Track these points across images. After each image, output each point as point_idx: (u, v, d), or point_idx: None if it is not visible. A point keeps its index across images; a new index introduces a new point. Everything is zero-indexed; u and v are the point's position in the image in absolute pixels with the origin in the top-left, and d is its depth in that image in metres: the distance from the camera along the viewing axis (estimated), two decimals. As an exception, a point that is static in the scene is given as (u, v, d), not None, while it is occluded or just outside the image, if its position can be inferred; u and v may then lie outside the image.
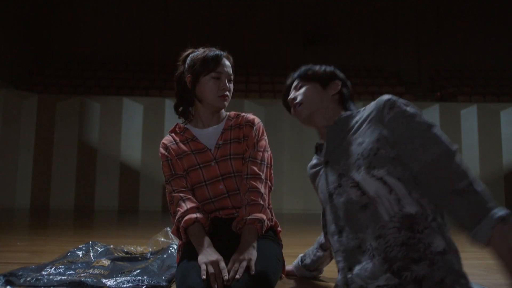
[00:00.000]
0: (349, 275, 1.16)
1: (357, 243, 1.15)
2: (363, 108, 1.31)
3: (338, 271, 1.23)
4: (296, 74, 1.47)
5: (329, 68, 1.45)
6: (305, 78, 1.43)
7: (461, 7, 11.17)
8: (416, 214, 1.08)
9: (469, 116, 8.52)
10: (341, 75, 1.45)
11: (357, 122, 1.28)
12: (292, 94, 1.44)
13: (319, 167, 1.38)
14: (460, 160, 1.08)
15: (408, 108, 1.18)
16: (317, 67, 1.45)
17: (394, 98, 1.21)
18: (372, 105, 1.26)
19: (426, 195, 1.11)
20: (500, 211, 0.99)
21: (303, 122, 1.41)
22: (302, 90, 1.40)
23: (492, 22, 10.93)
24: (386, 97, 1.22)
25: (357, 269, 1.14)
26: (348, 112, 1.35)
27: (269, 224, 1.49)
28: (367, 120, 1.23)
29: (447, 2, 11.27)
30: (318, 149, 1.43)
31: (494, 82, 10.14)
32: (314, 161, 1.44)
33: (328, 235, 1.29)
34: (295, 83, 1.45)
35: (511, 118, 8.53)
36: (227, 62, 1.54)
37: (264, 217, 1.41)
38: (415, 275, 1.03)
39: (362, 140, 1.21)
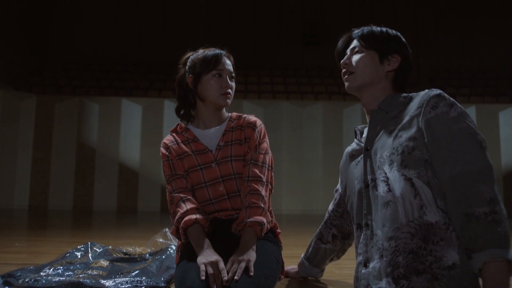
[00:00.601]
0: (363, 271, 1.16)
1: (375, 239, 1.14)
2: (413, 94, 1.22)
3: (356, 264, 1.22)
4: (357, 33, 1.33)
5: (394, 35, 1.30)
6: (365, 43, 1.29)
7: (460, 8, 11.19)
8: (436, 223, 1.05)
9: (468, 117, 8.54)
10: (404, 47, 1.30)
11: (401, 111, 1.20)
12: (346, 57, 1.32)
13: (356, 153, 1.33)
14: (492, 185, 0.99)
15: (452, 110, 1.10)
16: (381, 33, 1.30)
17: (442, 96, 1.13)
18: (419, 96, 1.17)
19: None
20: (509, 254, 0.94)
21: (349, 91, 1.32)
22: (358, 57, 1.29)
23: (491, 23, 10.94)
24: (433, 92, 1.14)
25: (370, 266, 1.14)
26: (395, 95, 1.25)
27: (269, 227, 1.48)
28: (410, 113, 1.16)
29: (446, 3, 11.29)
30: (357, 133, 1.37)
31: (493, 83, 10.16)
32: (353, 145, 1.38)
33: (354, 226, 1.26)
34: (353, 44, 1.32)
35: (510, 119, 8.55)
36: (227, 61, 1.55)
37: (264, 220, 1.41)
38: (411, 287, 1.02)
39: (400, 134, 1.15)
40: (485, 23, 10.98)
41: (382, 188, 1.14)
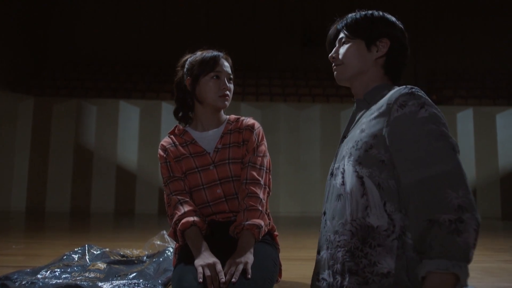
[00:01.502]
0: (316, 257, 1.18)
1: (325, 229, 1.15)
2: (394, 88, 1.15)
3: None
4: (342, 23, 1.28)
5: (379, 17, 1.23)
6: (349, 32, 1.23)
7: (458, 10, 11.22)
8: (378, 228, 1.00)
9: (465, 119, 8.56)
10: (391, 27, 1.22)
11: (376, 104, 1.14)
12: (334, 50, 1.28)
13: None
14: (464, 191, 0.92)
15: (422, 111, 1.01)
16: (365, 18, 1.24)
17: (413, 94, 1.04)
18: (392, 92, 1.10)
19: (402, 210, 1.01)
20: (462, 269, 0.87)
21: (339, 83, 1.29)
22: (344, 49, 1.24)
23: (489, 25, 10.97)
24: (404, 90, 1.06)
25: (320, 254, 1.15)
26: (383, 86, 1.19)
27: (266, 230, 1.48)
28: (379, 109, 1.10)
29: (446, 3, 11.32)
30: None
31: (490, 85, 10.18)
32: None
33: None
34: (340, 35, 1.27)
35: (507, 121, 8.57)
36: (225, 62, 1.56)
37: (262, 223, 1.41)
38: (343, 284, 1.02)
39: (364, 128, 1.10)
40: (484, 23, 11.01)
41: (338, 179, 1.13)
